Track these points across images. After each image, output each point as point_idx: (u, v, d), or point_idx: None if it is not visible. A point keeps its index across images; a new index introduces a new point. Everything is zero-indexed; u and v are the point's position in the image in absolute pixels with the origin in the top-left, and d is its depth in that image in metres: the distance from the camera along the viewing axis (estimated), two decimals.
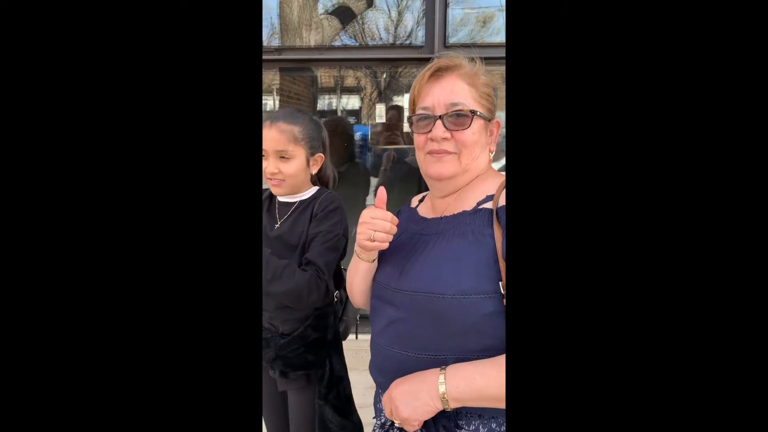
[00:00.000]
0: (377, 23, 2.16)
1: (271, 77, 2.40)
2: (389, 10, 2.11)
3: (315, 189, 1.15)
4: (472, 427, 0.63)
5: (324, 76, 2.15)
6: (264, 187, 1.16)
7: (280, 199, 1.14)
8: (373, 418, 0.74)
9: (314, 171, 1.13)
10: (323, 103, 2.44)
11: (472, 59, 0.70)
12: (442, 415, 0.63)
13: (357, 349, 1.78)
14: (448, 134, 0.66)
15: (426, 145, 0.68)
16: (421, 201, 0.81)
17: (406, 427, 0.64)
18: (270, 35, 2.27)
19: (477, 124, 0.68)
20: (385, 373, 0.68)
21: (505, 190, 0.66)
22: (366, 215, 0.69)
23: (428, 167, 0.70)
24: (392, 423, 0.67)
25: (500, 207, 0.64)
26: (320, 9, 1.99)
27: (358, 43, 2.12)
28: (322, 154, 1.13)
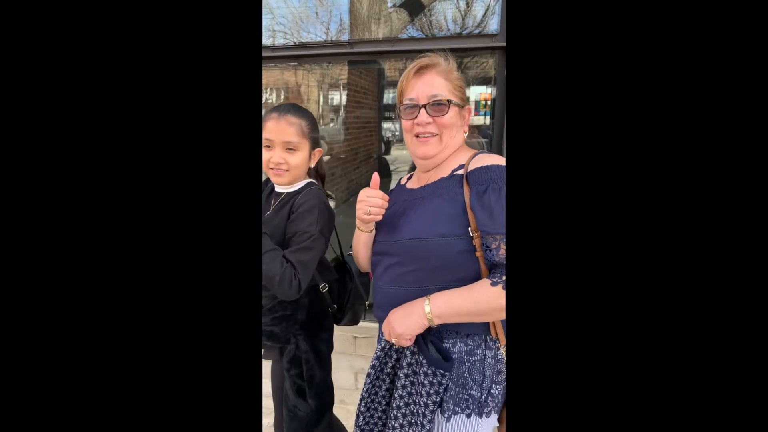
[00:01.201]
0: (445, 14, 2.13)
1: (338, 71, 2.47)
2: (458, 0, 2.07)
3: (304, 182, 1.18)
4: (451, 340, 0.82)
5: (390, 69, 2.17)
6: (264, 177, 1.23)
7: (277, 189, 1.19)
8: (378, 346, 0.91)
9: (312, 164, 1.18)
10: (388, 96, 2.46)
11: (447, 59, 0.89)
12: (428, 332, 0.81)
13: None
14: (430, 119, 0.85)
15: (413, 128, 0.87)
16: (409, 178, 1.01)
17: (400, 342, 0.82)
18: (338, 31, 2.33)
19: (453, 110, 0.86)
20: (384, 308, 0.86)
21: (476, 158, 0.83)
22: (362, 194, 0.87)
23: (416, 149, 0.88)
24: (391, 345, 0.86)
25: (469, 171, 0.81)
26: (389, 2, 2.00)
27: (424, 35, 2.10)
28: (320, 149, 1.18)
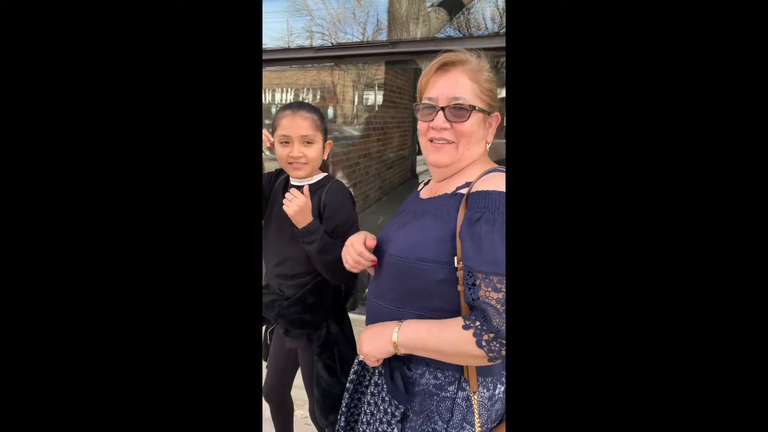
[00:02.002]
0: (484, 12, 2.11)
1: (374, 72, 2.48)
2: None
3: (322, 175, 1.23)
4: (419, 371, 0.75)
5: None
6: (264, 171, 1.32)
7: (293, 182, 1.22)
8: None
9: (325, 156, 1.22)
10: None
11: (479, 55, 0.76)
12: (397, 358, 0.75)
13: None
14: (447, 125, 0.73)
15: (428, 132, 0.77)
16: (425, 184, 0.91)
17: (366, 361, 0.78)
18: (374, 31, 2.35)
19: (475, 117, 0.74)
20: (369, 319, 0.83)
21: (482, 179, 0.72)
22: (349, 241, 0.84)
23: (428, 154, 0.79)
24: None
25: (471, 192, 0.71)
26: (428, 2, 2.00)
27: (462, 35, 2.09)
28: (331, 141, 1.23)
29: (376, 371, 0.80)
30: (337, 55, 1.81)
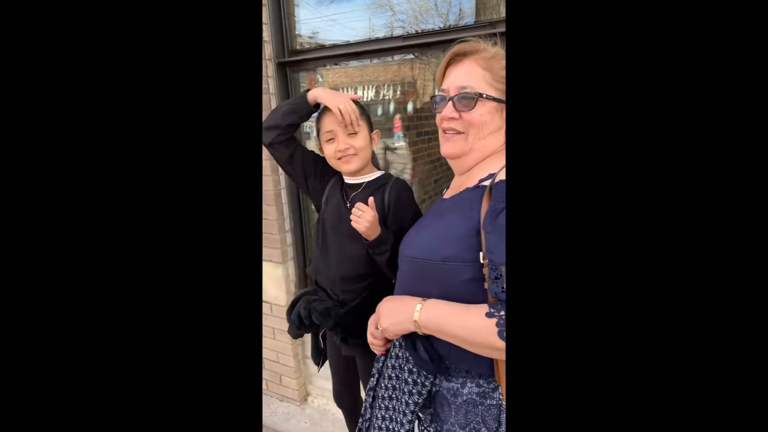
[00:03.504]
0: None
1: None
2: None
3: (379, 173, 1.16)
4: (459, 381, 0.72)
5: None
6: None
7: (347, 180, 1.17)
8: None
9: (375, 147, 1.17)
10: None
11: (495, 42, 0.75)
12: (440, 376, 0.72)
13: None
14: (456, 114, 0.74)
15: (441, 123, 0.78)
16: (447, 188, 0.91)
17: (384, 334, 0.76)
18: (456, 21, 2.26)
19: (485, 106, 0.73)
20: None
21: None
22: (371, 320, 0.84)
23: (442, 146, 0.79)
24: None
25: (495, 182, 0.67)
26: None
27: None
28: (378, 131, 1.18)
29: (394, 345, 0.77)
30: (419, 44, 1.78)
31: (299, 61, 1.90)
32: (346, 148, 1.12)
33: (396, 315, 0.74)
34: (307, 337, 1.48)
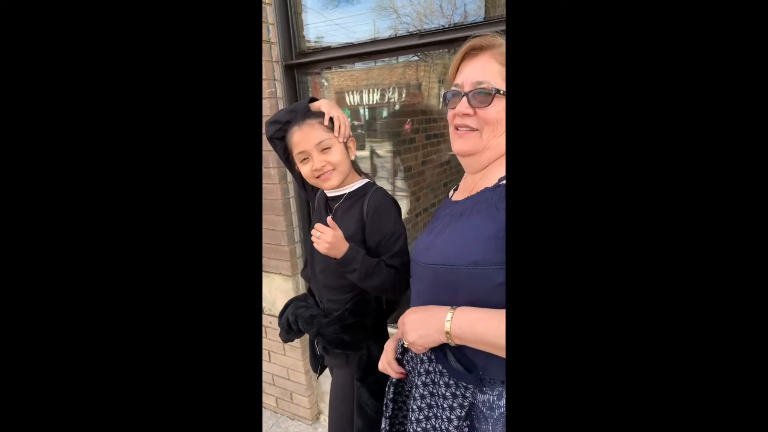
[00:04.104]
0: None
1: None
2: None
3: (363, 182, 1.11)
4: (495, 393, 0.67)
5: None
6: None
7: (329, 194, 1.12)
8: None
9: (353, 156, 1.11)
10: None
11: None
12: (481, 383, 0.68)
13: None
14: (471, 110, 0.72)
15: (453, 120, 0.75)
16: (455, 190, 0.88)
17: (412, 348, 0.71)
18: (462, 18, 2.21)
19: (502, 102, 0.69)
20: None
21: None
22: (387, 345, 0.83)
23: (453, 143, 0.76)
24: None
25: None
26: None
27: None
28: (353, 138, 1.12)
29: (423, 360, 0.72)
30: (430, 42, 1.72)
31: (307, 63, 1.83)
32: (322, 166, 1.08)
33: (424, 327, 0.69)
34: None
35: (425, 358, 0.72)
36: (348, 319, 1.12)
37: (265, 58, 1.72)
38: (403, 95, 2.59)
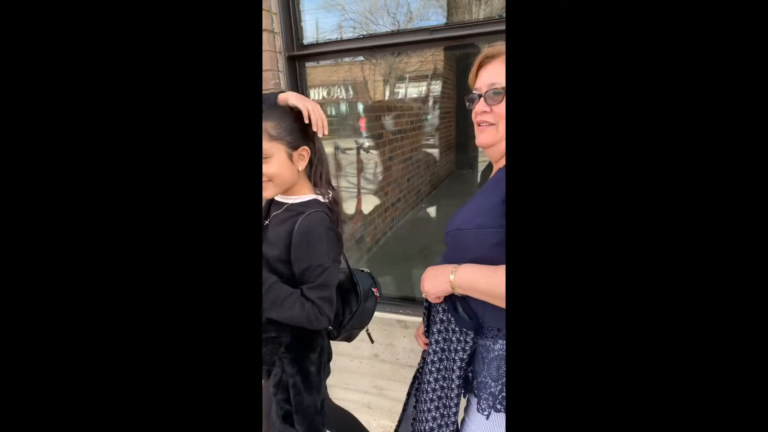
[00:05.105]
0: None
1: (405, 63, 2.41)
2: None
3: (307, 197, 1.04)
4: (490, 338, 0.83)
5: None
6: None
7: (276, 198, 1.06)
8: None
9: (301, 167, 1.02)
10: None
11: None
12: (481, 330, 0.83)
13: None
14: (487, 108, 0.84)
15: (476, 118, 0.87)
16: None
17: (428, 297, 0.88)
18: (406, 21, 2.27)
19: None
20: None
21: None
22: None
23: (477, 137, 0.88)
24: (429, 305, 0.94)
25: None
26: None
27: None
28: (306, 147, 1.02)
29: (438, 311, 0.87)
30: (370, 46, 1.73)
31: (310, 55, 1.77)
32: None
33: (435, 278, 0.84)
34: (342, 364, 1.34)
35: (441, 309, 0.87)
36: (264, 332, 1.06)
37: (268, 48, 1.63)
38: (350, 93, 2.58)
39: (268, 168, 0.97)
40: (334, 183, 1.15)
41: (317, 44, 1.80)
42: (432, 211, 2.30)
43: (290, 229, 0.99)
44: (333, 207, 1.07)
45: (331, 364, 1.22)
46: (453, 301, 0.85)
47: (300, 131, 1.01)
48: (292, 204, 1.04)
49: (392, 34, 1.69)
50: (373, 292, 1.20)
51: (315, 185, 1.07)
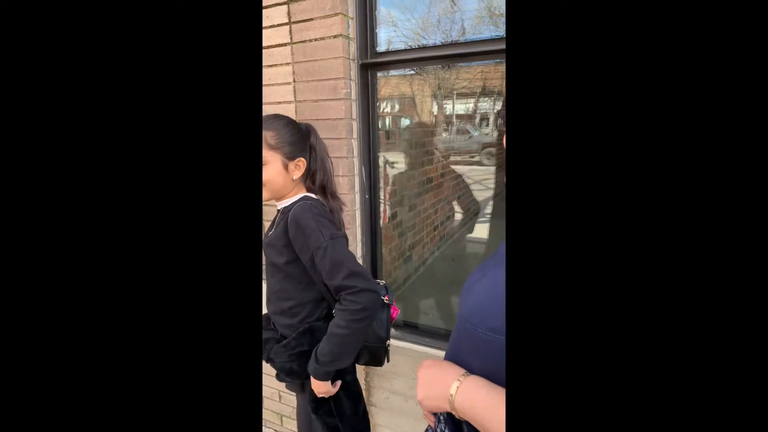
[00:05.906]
0: None
1: (454, 78, 2.35)
2: None
3: (297, 196, 1.10)
4: None
5: None
6: None
7: (277, 206, 1.11)
8: None
9: (296, 176, 1.07)
10: None
11: None
12: None
13: None
14: None
15: (501, 137, 0.69)
16: None
17: (421, 407, 0.66)
18: (459, 35, 2.23)
19: None
20: None
21: None
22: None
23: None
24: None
25: None
26: None
27: None
28: (303, 158, 1.07)
29: (442, 418, 0.63)
30: (417, 58, 1.59)
31: (386, 63, 1.57)
32: None
33: (431, 388, 0.61)
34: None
35: (441, 418, 0.64)
36: (295, 348, 1.07)
37: (341, 54, 1.46)
38: (395, 108, 2.55)
39: (264, 173, 1.04)
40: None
41: (393, 52, 1.60)
42: (483, 229, 2.21)
43: (285, 227, 1.04)
44: (326, 203, 1.12)
45: (384, 402, 1.20)
46: (454, 422, 0.62)
47: (298, 143, 1.07)
48: (284, 207, 1.10)
49: (472, 43, 1.58)
50: (383, 300, 1.16)
51: (308, 191, 1.13)
